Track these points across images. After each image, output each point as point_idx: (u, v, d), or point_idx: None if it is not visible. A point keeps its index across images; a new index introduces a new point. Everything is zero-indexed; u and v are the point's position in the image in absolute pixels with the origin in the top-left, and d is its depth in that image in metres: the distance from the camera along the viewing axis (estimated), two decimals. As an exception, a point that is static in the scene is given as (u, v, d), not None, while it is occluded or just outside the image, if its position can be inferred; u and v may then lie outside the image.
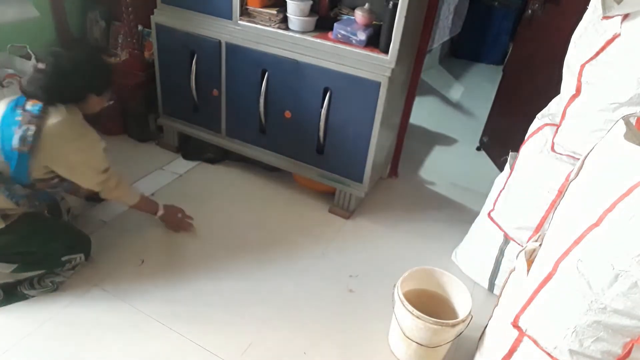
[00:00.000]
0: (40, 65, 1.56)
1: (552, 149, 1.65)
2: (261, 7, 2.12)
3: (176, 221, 2.08)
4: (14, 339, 1.57)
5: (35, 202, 1.67)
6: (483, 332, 1.57)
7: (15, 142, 1.48)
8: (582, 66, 1.44)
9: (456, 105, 3.94)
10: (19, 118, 1.49)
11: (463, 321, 1.51)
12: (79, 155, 1.61)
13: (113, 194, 1.80)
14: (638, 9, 1.28)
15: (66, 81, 1.55)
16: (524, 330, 1.26)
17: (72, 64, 1.57)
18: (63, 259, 1.71)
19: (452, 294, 1.70)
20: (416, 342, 1.55)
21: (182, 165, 2.62)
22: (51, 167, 1.58)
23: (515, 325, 1.28)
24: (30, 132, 1.48)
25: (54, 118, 1.52)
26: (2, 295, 1.67)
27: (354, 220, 2.36)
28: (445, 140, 3.31)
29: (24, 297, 1.69)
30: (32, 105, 1.51)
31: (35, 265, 1.68)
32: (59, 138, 1.54)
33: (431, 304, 1.68)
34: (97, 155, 1.68)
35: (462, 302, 1.63)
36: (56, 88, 1.53)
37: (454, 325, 1.50)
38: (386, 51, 1.93)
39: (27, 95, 1.54)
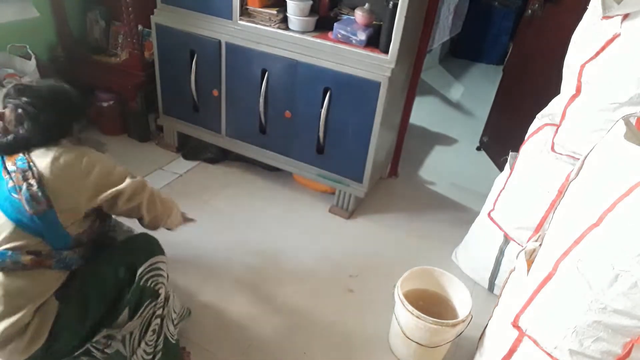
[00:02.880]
0: (7, 111, 1.27)
1: (552, 149, 1.64)
2: (261, 7, 2.12)
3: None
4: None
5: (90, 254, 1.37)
6: (483, 332, 1.57)
7: (27, 208, 1.19)
8: (582, 66, 1.44)
9: (456, 105, 3.94)
10: (10, 184, 1.21)
11: (463, 321, 1.52)
12: (99, 180, 1.29)
13: (157, 206, 1.42)
14: (638, 9, 1.28)
15: (52, 116, 1.29)
16: (524, 330, 1.26)
17: (50, 94, 1.33)
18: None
19: (452, 294, 1.70)
20: (416, 342, 1.56)
21: (182, 165, 2.62)
22: (79, 206, 1.27)
23: (515, 325, 1.28)
24: (35, 187, 1.20)
25: (45, 159, 1.24)
26: None
27: (353, 220, 2.36)
28: (445, 140, 3.31)
29: None
30: (13, 163, 1.23)
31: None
32: (68, 172, 1.26)
33: (431, 303, 1.68)
34: (109, 168, 1.35)
35: (462, 302, 1.63)
36: (43, 127, 1.27)
37: (454, 325, 1.50)
38: (386, 51, 1.93)
39: (5, 151, 1.26)
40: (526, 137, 1.79)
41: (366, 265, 2.08)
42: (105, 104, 2.71)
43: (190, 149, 2.71)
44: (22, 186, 1.20)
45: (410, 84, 2.39)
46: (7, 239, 1.21)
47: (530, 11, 2.58)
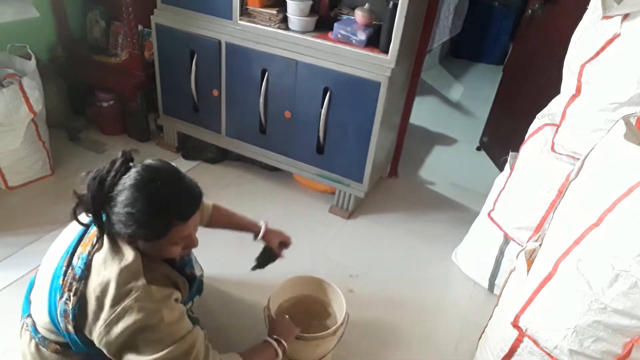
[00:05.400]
0: (123, 198, 1.02)
1: (552, 149, 1.64)
2: (261, 7, 2.12)
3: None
4: None
5: None
6: (483, 332, 1.57)
7: (59, 320, 1.06)
8: (582, 66, 1.44)
9: (456, 105, 3.94)
10: (60, 281, 1.06)
11: (342, 324, 1.45)
12: (131, 331, 1.02)
13: None
14: (638, 9, 1.28)
15: (157, 211, 1.04)
16: (524, 330, 1.26)
17: (167, 185, 1.07)
18: None
19: (328, 297, 1.66)
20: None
21: (182, 165, 2.62)
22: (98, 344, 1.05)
23: (515, 325, 1.28)
24: (70, 306, 1.03)
25: (104, 270, 1.03)
26: None
27: (354, 220, 2.36)
28: (445, 140, 3.31)
29: None
30: (79, 256, 1.06)
31: None
32: (99, 299, 1.02)
33: (311, 309, 1.63)
34: (169, 324, 1.05)
35: (338, 305, 1.58)
36: (142, 224, 1.02)
37: (334, 333, 1.43)
38: (386, 51, 1.93)
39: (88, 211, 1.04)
40: (526, 137, 1.79)
41: (366, 265, 2.08)
42: (105, 104, 2.71)
43: (190, 149, 2.71)
44: (64, 294, 1.04)
45: (410, 84, 2.39)
46: (42, 325, 1.15)
47: (530, 11, 2.58)
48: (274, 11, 2.11)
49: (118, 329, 1.01)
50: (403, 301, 1.92)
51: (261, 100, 2.25)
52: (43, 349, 1.16)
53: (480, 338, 1.59)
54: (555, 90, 1.70)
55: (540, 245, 1.34)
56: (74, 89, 2.75)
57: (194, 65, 2.34)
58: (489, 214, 1.94)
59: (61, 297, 1.05)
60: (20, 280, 1.78)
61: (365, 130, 2.09)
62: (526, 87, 2.64)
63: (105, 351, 1.05)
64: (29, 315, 1.18)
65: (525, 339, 1.25)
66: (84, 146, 2.66)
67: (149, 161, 1.11)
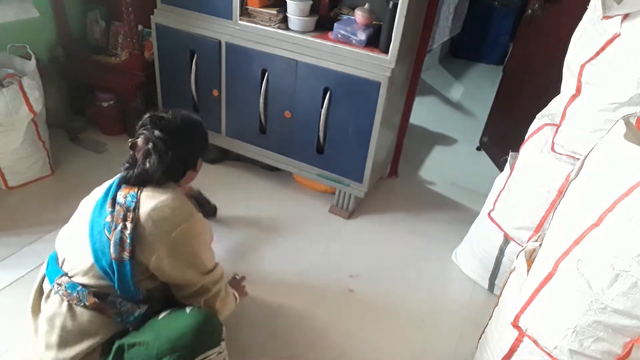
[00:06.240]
0: (139, 141, 1.29)
1: (552, 149, 1.65)
2: (261, 7, 2.12)
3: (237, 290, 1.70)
4: None
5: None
6: (483, 332, 1.57)
7: (112, 249, 1.16)
8: (582, 66, 1.44)
9: (456, 105, 3.94)
10: (108, 219, 1.19)
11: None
12: (180, 248, 1.22)
13: (215, 306, 1.33)
14: (638, 9, 1.28)
15: (178, 154, 1.28)
16: (524, 330, 1.26)
17: (182, 130, 1.32)
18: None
19: None
20: None
21: (182, 165, 2.62)
22: (150, 266, 1.20)
23: (515, 325, 1.28)
24: (127, 232, 1.16)
25: (150, 202, 1.20)
26: None
27: (353, 220, 2.36)
28: (445, 140, 3.31)
29: None
30: (125, 196, 1.21)
31: None
32: (157, 225, 1.19)
33: None
34: (203, 248, 1.29)
35: None
36: (167, 165, 1.25)
37: None
38: (386, 51, 1.93)
39: (126, 183, 1.25)
40: (526, 137, 1.79)
41: (366, 265, 2.08)
42: (105, 104, 2.71)
43: (190, 149, 2.71)
44: (118, 225, 1.17)
45: (410, 84, 2.39)
46: (83, 272, 1.20)
47: (530, 11, 2.58)
48: (274, 11, 2.11)
49: (185, 246, 1.21)
50: (403, 301, 1.92)
51: (261, 100, 2.25)
52: (77, 307, 1.19)
53: (480, 338, 1.59)
54: (555, 90, 1.70)
55: (540, 245, 1.34)
56: (74, 89, 2.75)
57: (194, 65, 2.34)
58: (489, 214, 1.94)
59: (114, 229, 1.17)
60: (21, 280, 1.78)
61: (365, 130, 2.09)
62: (526, 87, 2.64)
63: (159, 271, 1.20)
64: (62, 276, 1.22)
65: (525, 339, 1.25)
66: (84, 146, 2.66)
67: (182, 111, 1.39)
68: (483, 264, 1.98)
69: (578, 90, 1.48)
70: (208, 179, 2.52)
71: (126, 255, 1.16)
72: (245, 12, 2.16)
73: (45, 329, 1.21)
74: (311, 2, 2.08)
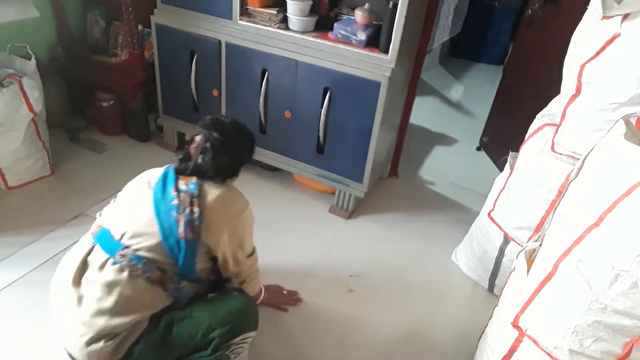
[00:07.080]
0: (198, 138, 1.39)
1: (552, 149, 1.65)
2: (261, 7, 2.12)
3: (282, 299, 1.84)
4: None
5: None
6: (483, 332, 1.57)
7: (181, 229, 1.26)
8: (582, 66, 1.44)
9: (456, 105, 3.95)
10: (175, 201, 1.28)
11: None
12: (238, 232, 1.39)
13: (246, 285, 1.52)
14: (638, 9, 1.28)
15: (231, 157, 1.40)
16: (524, 330, 1.26)
17: (239, 139, 1.45)
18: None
19: None
20: None
21: (182, 165, 2.62)
22: (212, 245, 1.34)
23: (515, 325, 1.28)
24: (196, 215, 1.27)
25: (214, 192, 1.33)
26: None
27: (354, 220, 2.36)
28: (445, 140, 3.31)
29: None
30: (186, 184, 1.32)
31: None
32: (223, 211, 1.34)
33: None
34: (251, 234, 1.47)
35: None
36: (219, 165, 1.37)
37: None
38: (386, 51, 1.93)
39: (183, 172, 1.36)
40: (526, 137, 1.79)
41: (366, 265, 2.08)
42: (105, 104, 2.71)
43: (190, 149, 2.71)
44: (186, 209, 1.27)
45: (410, 84, 2.39)
46: (149, 248, 1.27)
47: (530, 11, 2.58)
48: (274, 11, 2.11)
49: (242, 230, 1.40)
50: (403, 301, 1.92)
51: (261, 100, 2.25)
52: (138, 279, 1.25)
53: (480, 338, 1.59)
54: (555, 90, 1.70)
55: (540, 245, 1.34)
56: (74, 89, 2.75)
57: (194, 65, 2.34)
58: (489, 214, 1.94)
59: (182, 212, 1.27)
60: (21, 280, 1.78)
61: (365, 130, 2.09)
62: (526, 87, 2.64)
63: (218, 248, 1.34)
64: (124, 248, 1.27)
65: (525, 339, 1.25)
66: (84, 146, 2.66)
67: (240, 120, 1.51)
68: (483, 264, 1.98)
69: (578, 90, 1.48)
70: (208, 179, 2.53)
71: (194, 236, 1.27)
72: (245, 12, 2.16)
73: (99, 295, 1.24)
74: (311, 2, 2.09)
